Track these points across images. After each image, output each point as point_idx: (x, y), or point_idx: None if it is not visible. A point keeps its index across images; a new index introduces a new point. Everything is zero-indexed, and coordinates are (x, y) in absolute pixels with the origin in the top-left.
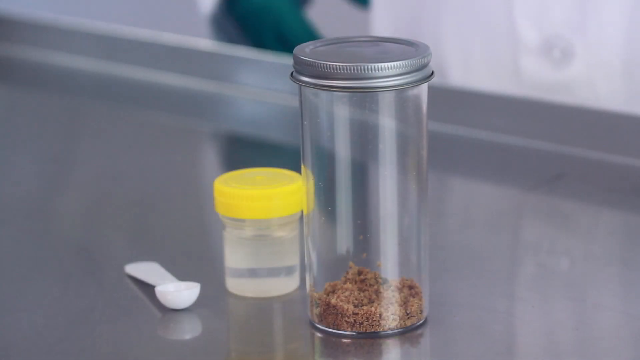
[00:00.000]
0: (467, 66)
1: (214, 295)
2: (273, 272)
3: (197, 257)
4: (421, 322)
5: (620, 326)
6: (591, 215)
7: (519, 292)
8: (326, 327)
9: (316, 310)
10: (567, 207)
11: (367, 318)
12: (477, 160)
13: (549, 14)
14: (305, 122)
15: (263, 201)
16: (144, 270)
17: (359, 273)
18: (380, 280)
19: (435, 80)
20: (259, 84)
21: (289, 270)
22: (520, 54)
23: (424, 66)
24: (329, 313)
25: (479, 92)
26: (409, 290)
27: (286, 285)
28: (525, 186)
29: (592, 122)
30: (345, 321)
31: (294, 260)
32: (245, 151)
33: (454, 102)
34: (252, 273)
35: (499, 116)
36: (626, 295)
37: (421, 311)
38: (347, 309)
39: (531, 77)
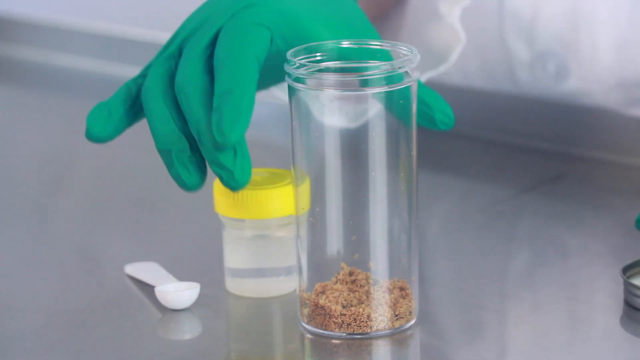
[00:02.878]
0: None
1: (213, 295)
2: (273, 273)
3: (197, 257)
4: (411, 323)
5: (619, 326)
6: (591, 216)
7: (516, 293)
8: (315, 327)
9: (305, 311)
10: (567, 207)
11: (354, 319)
12: (476, 160)
13: (539, 30)
14: (294, 123)
15: (263, 201)
16: (144, 270)
17: (350, 274)
18: (371, 281)
19: (432, 78)
20: None
21: (288, 271)
22: (515, 68)
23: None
24: (318, 314)
25: (477, 91)
26: (399, 291)
27: (286, 285)
28: (525, 186)
29: (592, 122)
30: (333, 322)
31: (294, 261)
32: None
33: (451, 100)
34: (252, 273)
35: (497, 115)
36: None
37: (410, 312)
38: (335, 309)
39: (529, 90)
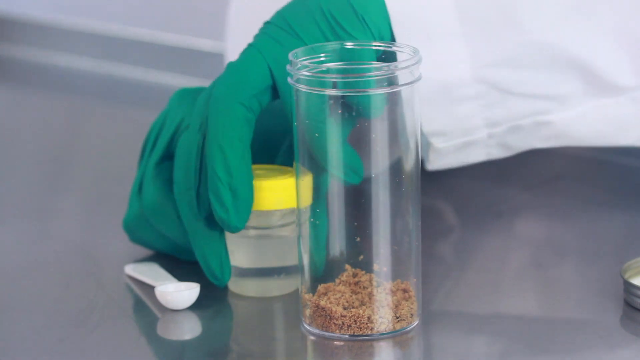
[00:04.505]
0: None
1: (214, 295)
2: (274, 272)
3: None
4: (412, 325)
5: (619, 326)
6: (591, 216)
7: (516, 294)
8: (316, 328)
9: (306, 312)
10: (567, 207)
11: (355, 321)
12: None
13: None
14: (297, 123)
15: (265, 192)
16: (144, 270)
17: (354, 275)
18: (375, 282)
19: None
20: None
21: (290, 270)
22: None
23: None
24: (319, 315)
25: None
26: (402, 293)
27: (287, 285)
28: (525, 186)
29: None
30: (334, 323)
31: (295, 261)
32: None
33: None
34: (253, 273)
35: None
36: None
37: (412, 314)
38: (336, 311)
39: None
